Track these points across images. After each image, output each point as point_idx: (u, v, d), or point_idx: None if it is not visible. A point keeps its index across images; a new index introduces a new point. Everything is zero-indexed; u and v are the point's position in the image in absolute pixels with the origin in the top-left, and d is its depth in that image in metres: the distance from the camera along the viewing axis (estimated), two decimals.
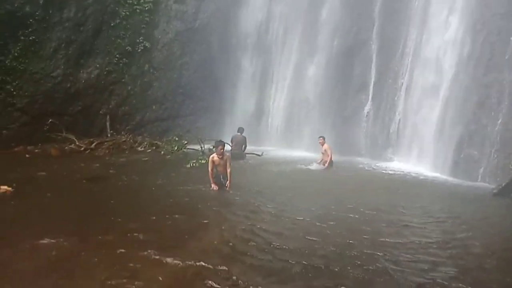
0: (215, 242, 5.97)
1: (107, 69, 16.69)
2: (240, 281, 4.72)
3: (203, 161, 12.06)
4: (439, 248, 5.97)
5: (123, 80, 17.16)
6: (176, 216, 7.13)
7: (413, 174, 12.03)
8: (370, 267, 5.19)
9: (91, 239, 5.96)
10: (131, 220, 6.89)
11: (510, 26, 10.93)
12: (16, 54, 14.57)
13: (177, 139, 15.47)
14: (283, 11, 18.01)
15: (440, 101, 12.60)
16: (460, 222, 7.42)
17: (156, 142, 15.85)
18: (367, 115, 15.07)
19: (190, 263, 5.16)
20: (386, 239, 6.26)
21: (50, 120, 15.04)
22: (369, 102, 15.03)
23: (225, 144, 9.61)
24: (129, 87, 17.35)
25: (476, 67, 11.68)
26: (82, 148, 14.45)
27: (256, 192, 9.13)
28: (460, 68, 12.20)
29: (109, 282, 4.64)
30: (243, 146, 13.99)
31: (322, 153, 12.83)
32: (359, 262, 5.32)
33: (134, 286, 4.56)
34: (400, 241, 6.22)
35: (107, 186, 9.46)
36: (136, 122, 17.55)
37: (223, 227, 6.69)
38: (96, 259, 5.26)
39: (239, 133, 14.00)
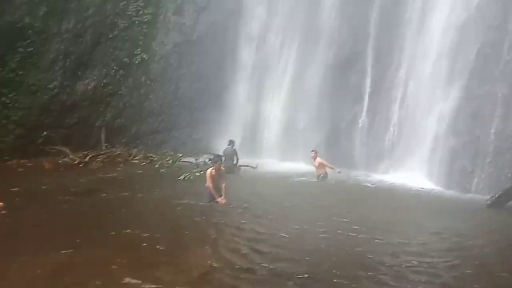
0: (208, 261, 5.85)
1: (104, 81, 16.78)
2: None
3: (197, 174, 12.06)
4: (433, 267, 5.79)
5: (119, 92, 17.21)
6: (169, 230, 7.14)
7: (408, 187, 12.00)
8: None
9: (84, 254, 5.95)
10: (123, 234, 6.88)
11: (503, 38, 10.97)
12: (13, 65, 14.70)
13: (172, 153, 15.45)
14: (280, 23, 18.14)
15: (434, 112, 12.58)
16: (454, 235, 7.35)
17: (151, 155, 15.76)
18: (362, 127, 15.05)
19: (183, 278, 5.14)
20: (380, 258, 6.03)
21: (45, 133, 15.00)
22: (364, 114, 15.03)
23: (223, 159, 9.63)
24: (126, 99, 17.39)
25: (469, 79, 11.72)
26: (76, 162, 14.39)
27: (248, 208, 8.97)
28: (454, 80, 12.20)
29: None
30: (234, 158, 13.88)
31: (316, 167, 12.69)
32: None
33: None
34: (396, 258, 6.06)
35: (100, 200, 9.47)
36: (131, 135, 17.50)
37: (215, 241, 6.64)
38: (89, 275, 5.23)
39: (229, 146, 13.96)
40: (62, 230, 7.13)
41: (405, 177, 12.88)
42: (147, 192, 10.19)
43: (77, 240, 6.49)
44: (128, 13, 17.23)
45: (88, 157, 14.68)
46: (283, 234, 6.96)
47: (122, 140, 17.07)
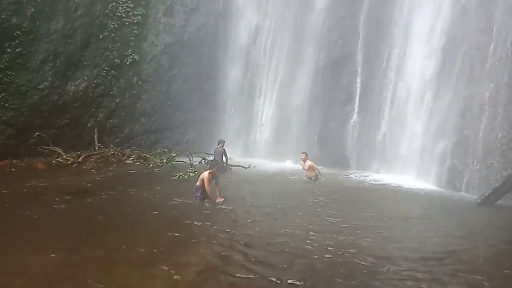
0: (206, 256, 5.97)
1: (95, 81, 16.69)
2: None
3: (191, 174, 12.12)
4: (423, 265, 5.92)
5: (111, 93, 17.17)
6: (162, 230, 7.14)
7: (399, 185, 12.21)
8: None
9: (78, 254, 5.94)
10: (116, 235, 6.89)
11: (489, 40, 11.31)
12: (2, 66, 14.49)
13: (166, 151, 15.47)
14: (271, 25, 18.32)
15: (424, 113, 12.92)
16: (446, 234, 7.48)
17: (144, 155, 15.81)
18: (353, 127, 15.32)
19: (177, 278, 5.17)
20: (372, 255, 6.12)
21: (37, 133, 14.90)
22: (355, 115, 15.30)
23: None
24: (118, 100, 17.35)
25: (457, 80, 12.05)
26: (70, 162, 14.32)
27: (243, 205, 9.18)
28: (442, 81, 12.55)
29: None
30: (223, 158, 13.88)
31: (305, 169, 12.67)
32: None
33: None
34: (387, 255, 6.20)
35: (94, 200, 9.41)
36: (124, 135, 17.51)
37: (208, 241, 6.69)
38: (83, 274, 5.24)
39: (219, 146, 14.02)
40: (55, 231, 7.11)
41: (396, 176, 13.17)
42: (141, 191, 10.17)
43: (71, 240, 6.49)
44: (117, 14, 17.15)
45: (81, 157, 14.61)
46: (274, 236, 6.97)
47: (115, 140, 17.05)
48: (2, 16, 14.49)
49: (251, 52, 18.84)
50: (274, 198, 10.11)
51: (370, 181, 12.97)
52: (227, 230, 7.25)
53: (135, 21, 17.55)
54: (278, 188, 11.44)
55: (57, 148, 14.88)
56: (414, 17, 13.89)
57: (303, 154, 12.76)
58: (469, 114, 11.47)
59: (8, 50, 14.66)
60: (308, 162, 12.62)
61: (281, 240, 6.78)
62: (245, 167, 14.58)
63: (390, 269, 5.66)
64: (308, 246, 6.50)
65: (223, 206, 8.89)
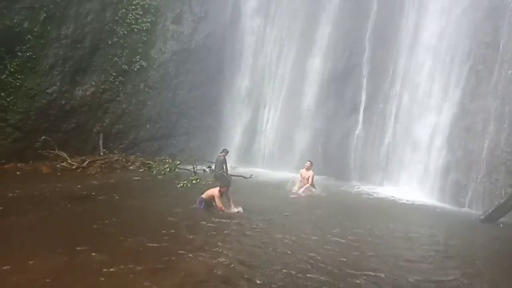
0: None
1: (102, 87, 16.88)
2: None
3: (194, 182, 12.17)
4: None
5: (118, 98, 17.34)
6: (165, 237, 7.17)
7: (402, 199, 12.05)
8: None
9: (79, 259, 5.99)
10: (118, 241, 6.92)
11: (495, 55, 11.26)
12: (12, 69, 14.74)
13: (169, 160, 15.52)
14: (277, 35, 18.42)
15: (428, 126, 12.82)
16: (449, 255, 7.31)
17: (148, 161, 15.84)
18: (357, 139, 15.26)
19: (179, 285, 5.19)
20: (373, 274, 6.01)
21: (43, 137, 15.02)
22: (360, 126, 15.25)
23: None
24: (124, 106, 17.51)
25: (462, 94, 11.98)
26: (74, 167, 14.43)
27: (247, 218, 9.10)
28: (448, 95, 12.48)
29: None
30: (223, 167, 13.75)
31: (303, 177, 12.40)
32: None
33: None
34: (390, 276, 6.04)
35: (97, 205, 9.49)
36: (129, 141, 17.63)
37: (209, 253, 6.66)
38: (84, 279, 5.29)
39: (221, 154, 13.97)
40: (58, 235, 7.18)
41: (399, 190, 13.04)
42: (144, 198, 10.23)
43: (73, 245, 6.53)
44: (127, 21, 17.40)
45: (86, 162, 14.73)
46: (274, 247, 6.95)
47: (120, 146, 17.19)
48: (15, 21, 14.80)
49: (257, 61, 18.93)
50: (274, 208, 10.03)
51: (373, 194, 12.84)
52: (220, 243, 7.21)
53: (144, 28, 17.78)
54: (278, 199, 11.34)
55: (62, 152, 15.03)
56: (420, 30, 13.88)
57: (309, 162, 12.59)
58: (473, 129, 11.39)
59: (19, 54, 14.93)
60: (311, 172, 12.44)
61: (282, 250, 6.73)
62: (246, 177, 14.43)
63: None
64: (312, 258, 6.44)
65: (222, 219, 8.74)
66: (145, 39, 17.84)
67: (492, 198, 10.40)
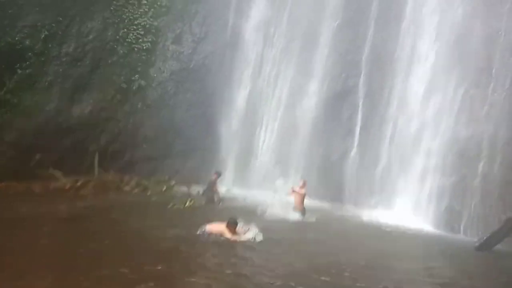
0: None
1: (100, 105, 16.83)
2: None
3: (188, 204, 12.10)
4: None
5: (115, 117, 17.24)
6: (155, 262, 7.09)
7: (396, 224, 11.98)
8: None
9: (65, 284, 5.91)
10: (105, 265, 6.83)
11: (488, 81, 11.37)
12: (11, 86, 14.71)
13: (165, 180, 15.44)
14: (276, 56, 18.60)
15: (423, 150, 12.82)
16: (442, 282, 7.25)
17: (143, 182, 15.66)
18: (352, 161, 15.22)
19: None
20: None
21: (38, 155, 14.80)
22: (355, 149, 15.25)
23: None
24: (121, 124, 17.40)
25: (456, 118, 12.03)
26: (67, 187, 14.24)
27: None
28: (442, 119, 12.53)
29: None
30: (213, 188, 13.78)
31: (296, 197, 12.30)
32: None
33: None
34: None
35: (86, 228, 9.39)
36: (125, 161, 17.37)
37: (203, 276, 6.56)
38: None
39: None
40: (44, 257, 7.10)
41: (393, 214, 12.94)
42: (135, 221, 10.14)
43: (58, 268, 6.47)
44: (128, 40, 17.58)
45: (79, 182, 14.53)
46: (263, 275, 6.83)
47: (116, 166, 16.89)
48: (16, 38, 14.97)
49: (255, 81, 19.06)
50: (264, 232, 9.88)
51: (366, 217, 12.75)
52: (215, 264, 7.20)
53: (144, 48, 17.94)
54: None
55: (56, 171, 14.80)
56: (415, 55, 14.03)
57: (302, 180, 12.51)
58: (467, 154, 11.40)
59: (19, 71, 15.00)
60: (304, 190, 12.28)
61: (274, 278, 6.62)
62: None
63: None
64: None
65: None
66: (144, 58, 17.99)
67: (486, 224, 10.33)
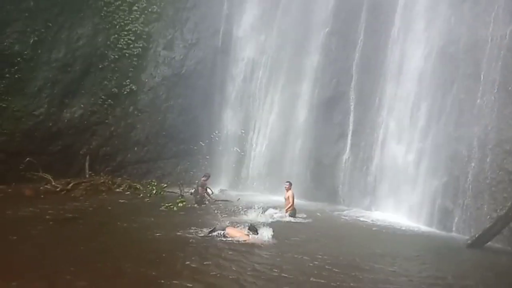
0: None
1: (91, 109, 16.80)
2: None
3: (180, 205, 12.08)
4: None
5: (106, 121, 17.24)
6: (147, 262, 7.03)
7: (389, 224, 12.14)
8: None
9: (59, 284, 5.81)
10: (99, 265, 6.76)
11: (477, 86, 11.73)
12: None
13: (156, 183, 15.40)
14: (267, 61, 18.82)
15: (414, 152, 13.14)
16: (435, 277, 7.38)
17: (135, 184, 15.67)
18: (345, 164, 15.47)
19: None
20: None
21: (27, 158, 14.64)
22: (348, 152, 15.49)
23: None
24: (112, 128, 17.38)
25: (447, 122, 12.38)
26: (58, 189, 14.08)
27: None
28: (433, 122, 12.88)
29: None
30: (202, 189, 13.90)
31: (286, 198, 12.52)
32: None
33: None
34: None
35: (78, 229, 9.28)
36: (116, 163, 17.43)
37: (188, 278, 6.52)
38: None
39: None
40: (36, 259, 6.98)
41: (387, 215, 13.17)
42: (127, 222, 10.03)
43: (52, 270, 6.37)
44: (119, 45, 17.56)
45: (70, 185, 14.39)
46: (249, 276, 6.80)
47: (107, 169, 16.93)
48: (5, 44, 14.80)
49: (247, 87, 19.23)
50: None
51: (360, 218, 12.91)
52: (203, 265, 7.13)
53: (135, 53, 17.94)
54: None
55: (46, 174, 14.65)
56: (405, 60, 14.41)
57: (287, 183, 12.64)
58: (458, 156, 11.71)
59: (7, 75, 14.83)
60: (289, 192, 12.39)
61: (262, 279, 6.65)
62: (225, 201, 14.26)
63: None
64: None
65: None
66: (136, 63, 17.97)
67: (478, 223, 10.62)
